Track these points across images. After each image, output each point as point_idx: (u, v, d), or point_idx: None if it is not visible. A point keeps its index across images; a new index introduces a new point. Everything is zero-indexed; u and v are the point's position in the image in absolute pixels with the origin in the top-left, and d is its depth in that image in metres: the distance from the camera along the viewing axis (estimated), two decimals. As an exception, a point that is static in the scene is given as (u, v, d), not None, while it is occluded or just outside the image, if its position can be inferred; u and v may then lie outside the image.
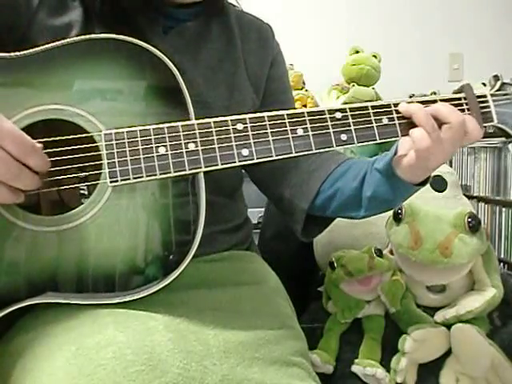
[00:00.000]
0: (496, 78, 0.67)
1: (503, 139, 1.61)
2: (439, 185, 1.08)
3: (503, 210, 1.78)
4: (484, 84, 0.69)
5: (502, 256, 1.77)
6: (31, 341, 0.58)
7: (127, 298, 0.59)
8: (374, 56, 1.89)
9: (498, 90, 0.67)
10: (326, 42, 2.22)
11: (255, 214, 1.45)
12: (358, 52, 1.91)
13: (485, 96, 0.65)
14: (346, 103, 2.01)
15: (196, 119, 0.61)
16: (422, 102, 0.64)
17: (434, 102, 0.64)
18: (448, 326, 0.99)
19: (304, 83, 1.98)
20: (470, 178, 1.91)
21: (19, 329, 0.62)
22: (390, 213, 1.04)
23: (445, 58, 2.38)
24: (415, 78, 2.17)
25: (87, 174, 0.59)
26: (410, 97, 2.13)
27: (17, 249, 0.58)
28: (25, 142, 0.53)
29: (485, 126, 0.65)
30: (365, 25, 2.28)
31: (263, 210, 1.36)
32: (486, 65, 2.26)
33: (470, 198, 1.75)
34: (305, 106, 1.87)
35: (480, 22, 2.37)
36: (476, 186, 1.89)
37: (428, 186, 1.06)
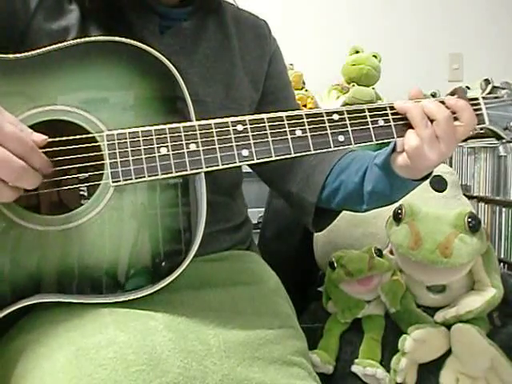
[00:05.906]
0: (487, 81, 0.69)
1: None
2: (439, 185, 1.08)
3: (503, 209, 1.79)
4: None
5: (502, 256, 1.77)
6: (32, 341, 0.58)
7: (121, 298, 0.59)
8: (374, 56, 1.89)
9: (489, 93, 0.68)
10: (326, 42, 2.22)
11: (255, 213, 1.45)
12: (358, 52, 1.91)
13: (477, 99, 0.67)
14: (346, 103, 2.00)
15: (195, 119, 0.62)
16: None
17: None
18: (448, 325, 0.99)
19: (304, 83, 1.98)
20: (470, 177, 1.91)
21: (20, 329, 0.62)
22: (390, 213, 1.04)
23: (445, 58, 2.38)
24: (415, 77, 2.17)
25: (89, 174, 0.59)
26: (410, 97, 2.08)
27: (15, 247, 0.58)
28: (27, 141, 0.53)
29: (480, 128, 0.67)
30: (365, 25, 2.28)
31: (263, 209, 1.36)
32: (485, 65, 2.26)
33: (469, 198, 1.75)
34: (305, 105, 1.87)
35: (480, 21, 2.37)
36: (476, 186, 1.89)
37: (428, 186, 1.06)
